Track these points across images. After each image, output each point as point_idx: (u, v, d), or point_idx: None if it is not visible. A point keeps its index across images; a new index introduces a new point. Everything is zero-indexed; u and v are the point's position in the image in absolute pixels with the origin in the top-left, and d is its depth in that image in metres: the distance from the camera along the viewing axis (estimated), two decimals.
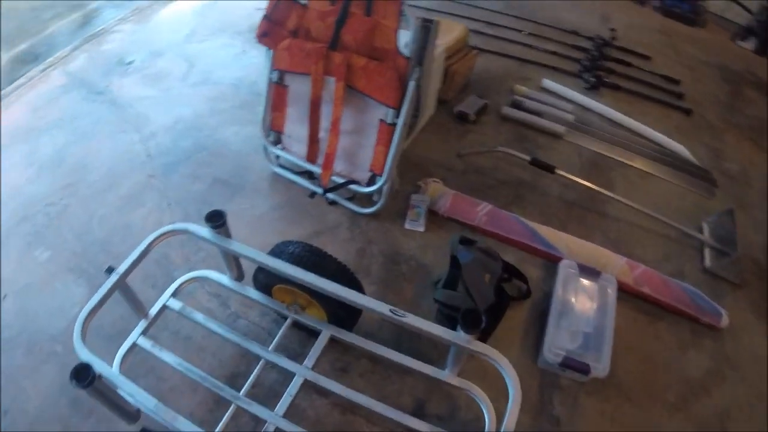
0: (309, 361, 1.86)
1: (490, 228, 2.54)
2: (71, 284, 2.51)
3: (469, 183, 2.83)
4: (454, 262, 2.19)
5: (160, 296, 2.05)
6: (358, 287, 1.91)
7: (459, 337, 1.51)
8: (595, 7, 4.37)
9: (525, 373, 2.11)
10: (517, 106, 3.24)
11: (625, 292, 2.34)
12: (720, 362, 2.22)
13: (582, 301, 2.21)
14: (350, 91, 2.40)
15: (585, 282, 2.28)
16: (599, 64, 3.60)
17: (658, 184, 2.93)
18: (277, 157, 2.88)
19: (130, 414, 1.76)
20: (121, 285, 1.81)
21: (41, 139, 3.34)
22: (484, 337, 2.15)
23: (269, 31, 2.51)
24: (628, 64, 3.65)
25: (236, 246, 1.80)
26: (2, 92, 3.77)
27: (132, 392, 1.60)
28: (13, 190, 3.02)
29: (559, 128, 3.08)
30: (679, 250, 2.62)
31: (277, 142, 2.85)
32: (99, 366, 1.55)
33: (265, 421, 1.72)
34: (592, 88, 3.45)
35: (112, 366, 1.84)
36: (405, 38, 2.24)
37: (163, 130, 3.30)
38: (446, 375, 1.73)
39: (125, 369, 1.82)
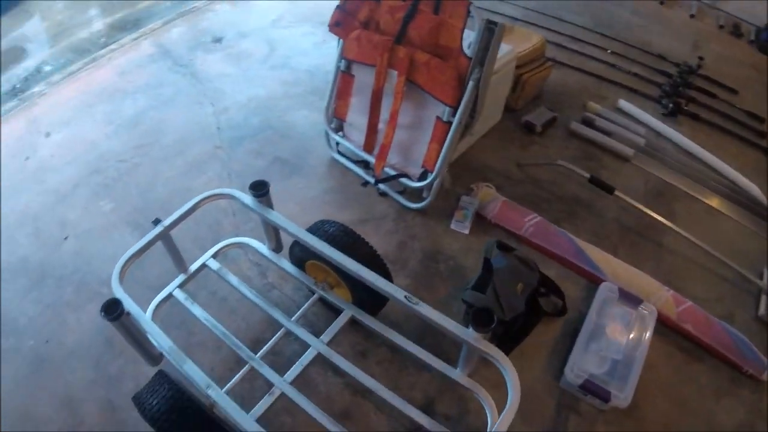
0: (326, 336, 1.92)
1: (536, 240, 2.50)
2: (127, 235, 2.68)
3: (524, 193, 2.80)
4: (487, 264, 2.18)
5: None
6: (386, 275, 1.92)
7: (467, 333, 1.50)
8: (689, 34, 4.20)
9: (544, 390, 2.08)
10: (587, 123, 3.16)
11: (666, 327, 2.25)
12: (755, 416, 2.07)
13: (616, 327, 2.14)
14: (411, 85, 2.43)
15: (623, 308, 2.21)
16: (681, 92, 3.46)
17: (724, 222, 2.78)
18: (337, 143, 2.95)
19: (153, 356, 1.86)
20: (165, 237, 1.92)
21: (124, 102, 3.56)
22: (509, 347, 2.14)
23: (341, 21, 2.58)
24: (713, 95, 3.49)
25: (274, 216, 1.88)
26: (94, 54, 4.04)
27: (153, 332, 1.69)
28: (90, 145, 3.24)
29: (628, 150, 2.98)
30: (734, 293, 2.47)
31: (339, 129, 2.92)
32: (128, 304, 1.65)
33: (272, 385, 1.78)
34: (670, 115, 3.32)
35: (146, 311, 1.95)
36: (470, 39, 2.23)
37: (237, 106, 3.45)
38: (457, 374, 1.73)
39: (160, 318, 1.93)
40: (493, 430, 1.38)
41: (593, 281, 2.38)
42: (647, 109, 3.34)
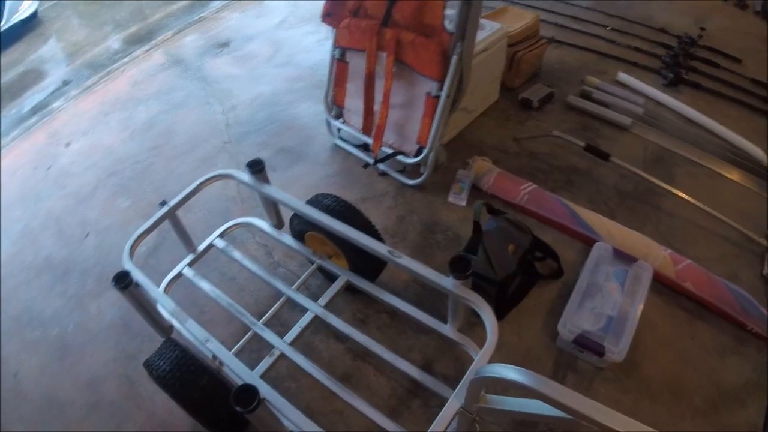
0: (323, 300, 2.01)
1: (531, 207, 2.54)
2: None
3: (521, 166, 2.84)
4: (477, 227, 2.21)
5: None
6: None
7: (447, 281, 1.55)
8: (692, 8, 4.17)
9: (542, 350, 2.11)
10: (585, 96, 3.19)
11: (666, 286, 2.25)
12: (762, 374, 2.03)
13: (610, 285, 2.16)
14: (400, 65, 2.51)
15: (618, 267, 2.23)
16: (681, 62, 3.44)
17: (726, 185, 2.76)
18: (339, 130, 3.05)
19: (164, 327, 1.97)
20: (172, 217, 2.04)
21: (138, 108, 3.76)
22: (506, 310, 2.18)
23: (332, 12, 2.70)
24: (715, 65, 3.46)
25: (270, 190, 1.97)
26: (109, 68, 4.25)
27: (159, 299, 1.78)
28: (107, 150, 3.45)
29: (625, 120, 2.99)
30: (738, 253, 2.45)
31: (339, 116, 3.01)
32: (137, 275, 1.76)
33: (273, 346, 1.86)
34: (670, 85, 3.31)
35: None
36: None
37: (244, 104, 3.61)
38: (447, 329, 1.78)
39: (173, 299, 1.98)
40: (471, 368, 1.42)
41: (589, 244, 2.39)
42: (647, 80, 3.34)
